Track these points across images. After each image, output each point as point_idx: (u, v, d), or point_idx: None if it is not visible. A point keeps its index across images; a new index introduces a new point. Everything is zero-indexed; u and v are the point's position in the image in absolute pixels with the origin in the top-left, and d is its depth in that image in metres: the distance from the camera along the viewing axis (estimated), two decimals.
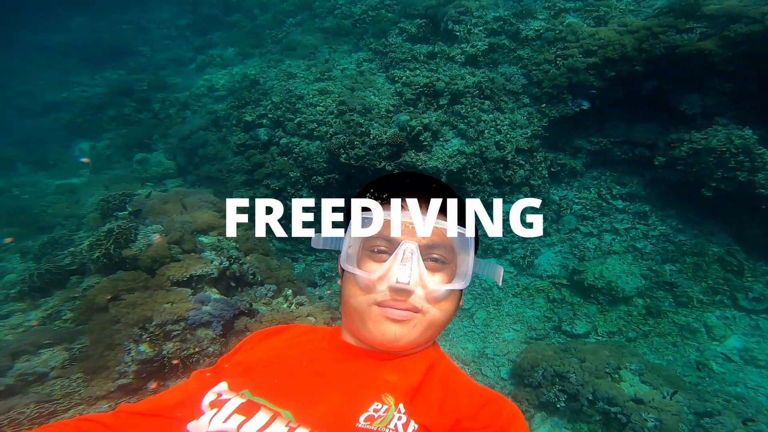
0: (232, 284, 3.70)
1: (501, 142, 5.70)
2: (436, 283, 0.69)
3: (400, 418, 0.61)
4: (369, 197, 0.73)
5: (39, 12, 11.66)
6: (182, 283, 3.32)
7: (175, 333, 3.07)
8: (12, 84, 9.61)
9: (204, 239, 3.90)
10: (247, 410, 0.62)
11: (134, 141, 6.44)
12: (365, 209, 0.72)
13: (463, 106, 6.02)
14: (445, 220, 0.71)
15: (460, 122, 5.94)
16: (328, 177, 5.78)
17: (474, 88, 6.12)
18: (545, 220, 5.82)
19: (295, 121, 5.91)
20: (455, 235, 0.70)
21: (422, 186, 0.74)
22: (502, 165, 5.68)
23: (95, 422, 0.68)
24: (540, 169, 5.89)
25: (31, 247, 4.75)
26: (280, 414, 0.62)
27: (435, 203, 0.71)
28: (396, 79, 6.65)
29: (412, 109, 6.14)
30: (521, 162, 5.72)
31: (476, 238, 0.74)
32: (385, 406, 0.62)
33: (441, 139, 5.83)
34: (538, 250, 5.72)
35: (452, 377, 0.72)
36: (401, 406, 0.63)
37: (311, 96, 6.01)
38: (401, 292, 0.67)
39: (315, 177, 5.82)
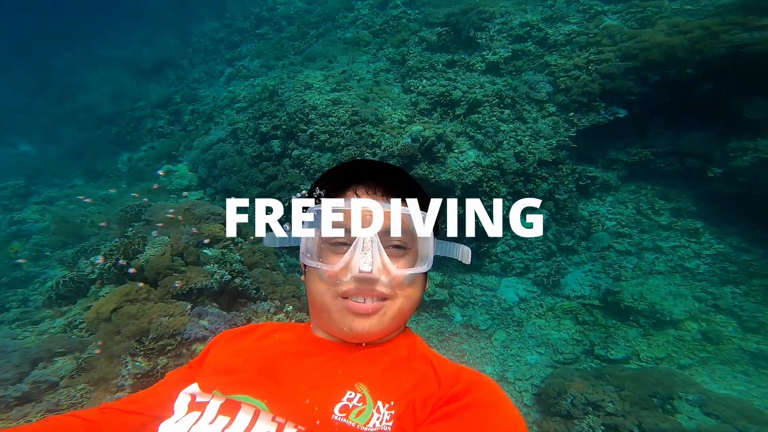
0: (235, 298, 3.68)
1: (522, 154, 5.33)
2: (399, 268, 0.69)
3: (378, 410, 0.60)
4: (321, 190, 0.73)
5: (114, 28, 12.80)
6: (182, 296, 3.33)
7: (170, 347, 3.07)
8: (79, 96, 10.60)
9: (208, 252, 3.92)
10: (229, 411, 0.64)
11: (164, 153, 6.80)
12: (318, 203, 0.71)
13: (481, 115, 5.72)
14: (403, 204, 0.70)
15: (477, 133, 5.65)
16: None
17: (493, 96, 5.81)
18: (572, 237, 5.32)
19: (308, 132, 5.93)
20: (413, 217, 0.69)
21: (374, 173, 0.73)
22: (522, 178, 5.30)
23: (81, 418, 0.71)
24: (566, 182, 5.42)
25: (68, 255, 5.09)
26: (257, 408, 0.62)
27: (390, 187, 0.71)
28: (412, 88, 6.50)
29: (426, 119, 5.94)
30: (544, 175, 5.30)
31: (436, 220, 0.73)
32: (359, 395, 0.62)
33: (456, 150, 5.57)
34: (565, 269, 5.25)
35: (427, 359, 0.71)
36: (375, 396, 0.62)
37: (324, 106, 6.01)
38: (366, 281, 0.66)
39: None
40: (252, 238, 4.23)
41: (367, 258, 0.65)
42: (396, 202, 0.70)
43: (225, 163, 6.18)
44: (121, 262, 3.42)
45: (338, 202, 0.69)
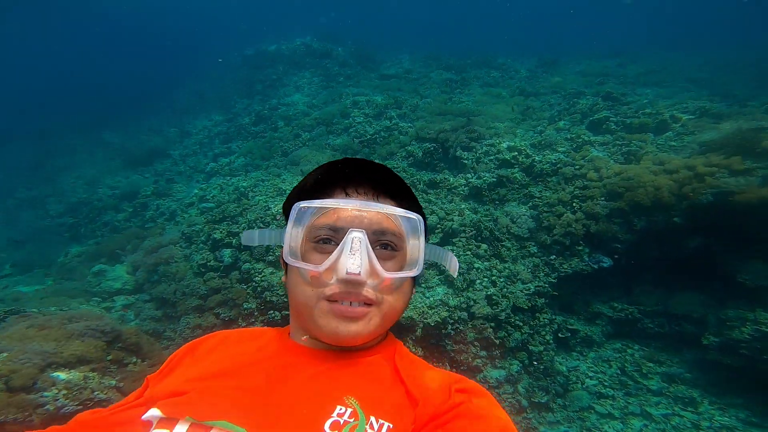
0: None
1: (494, 297, 4.59)
2: (388, 271, 0.67)
3: (372, 426, 0.58)
4: (309, 186, 0.71)
5: (133, 117, 13.67)
6: None
7: None
8: (59, 180, 10.65)
9: (62, 375, 3.14)
10: None
11: (107, 250, 6.27)
12: (305, 198, 0.69)
13: (455, 248, 5.16)
14: (393, 204, 0.70)
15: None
16: (287, 314, 4.90)
17: (471, 227, 5.33)
18: (547, 392, 4.42)
19: (264, 245, 5.36)
20: (403, 218, 0.69)
21: (365, 171, 0.72)
22: (493, 324, 4.48)
23: None
24: (543, 333, 4.58)
25: None
26: None
27: (380, 187, 0.70)
28: None
29: None
30: (518, 323, 4.48)
31: (425, 222, 0.73)
32: (350, 409, 0.60)
33: (423, 284, 4.87)
34: (535, 429, 4.19)
35: (413, 366, 0.70)
36: (367, 410, 0.60)
37: None
38: (352, 284, 0.65)
39: (272, 312, 4.98)
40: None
41: (355, 259, 0.63)
42: (386, 201, 0.70)
43: (167, 269, 5.57)
44: None
45: (326, 200, 0.67)
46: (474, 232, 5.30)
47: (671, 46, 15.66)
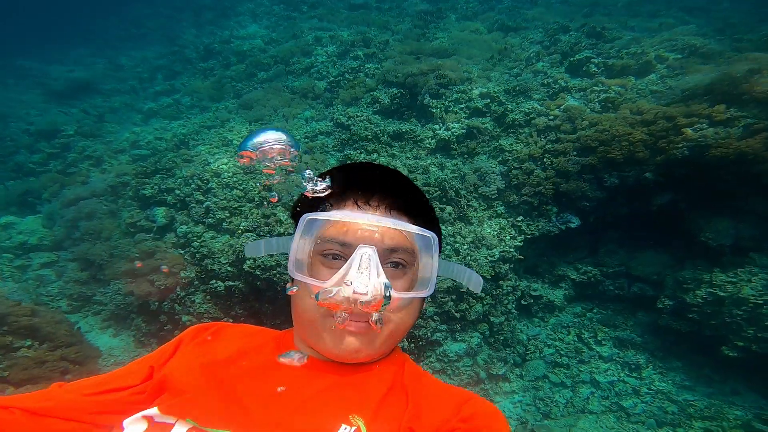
0: None
1: None
2: (398, 291, 0.64)
3: None
4: (318, 196, 0.66)
5: (41, 41, 11.51)
6: None
7: None
8: None
9: None
10: None
11: (15, 197, 5.32)
12: (315, 209, 0.66)
13: None
14: (407, 219, 0.65)
15: None
16: (231, 285, 4.43)
17: (436, 187, 4.79)
18: (505, 363, 4.33)
19: (204, 205, 4.68)
20: (417, 235, 0.65)
21: (379, 181, 0.67)
22: (454, 296, 4.18)
23: None
24: (506, 302, 4.36)
25: None
26: None
27: (394, 200, 0.66)
28: (348, 162, 5.44)
29: None
30: (480, 294, 4.19)
31: (439, 238, 0.69)
32: (354, 428, 0.57)
33: None
34: (492, 399, 4.19)
35: (420, 383, 0.68)
36: (370, 429, 0.58)
37: (231, 174, 4.81)
38: (362, 306, 0.60)
39: (214, 281, 4.47)
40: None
41: (363, 278, 0.59)
42: (400, 217, 0.65)
43: (90, 226, 4.83)
44: None
45: (336, 212, 0.64)
46: (439, 192, 4.77)
47: None
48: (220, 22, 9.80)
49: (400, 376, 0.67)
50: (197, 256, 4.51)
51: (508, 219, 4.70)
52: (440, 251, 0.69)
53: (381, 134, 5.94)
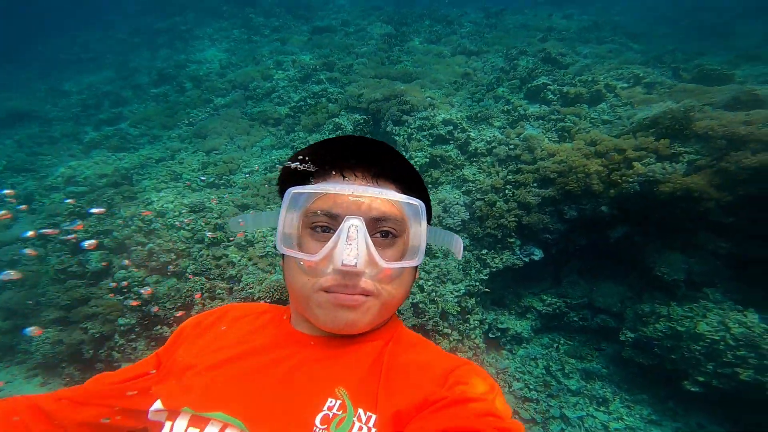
0: None
1: (421, 305, 4.07)
2: (387, 260, 0.63)
3: (359, 418, 0.57)
4: (303, 166, 0.65)
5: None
6: None
7: None
8: None
9: None
10: (198, 423, 0.60)
11: None
12: (299, 179, 0.65)
13: None
14: (393, 188, 0.65)
15: None
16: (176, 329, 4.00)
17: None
18: None
19: (146, 248, 4.28)
20: (405, 203, 0.64)
21: (363, 151, 0.66)
22: (420, 333, 3.98)
23: (32, 406, 0.70)
24: (473, 336, 4.23)
25: None
26: (230, 425, 0.58)
27: (380, 169, 0.65)
28: None
29: None
30: (446, 331, 4.05)
31: (428, 205, 0.70)
32: (339, 401, 0.58)
33: None
34: None
35: (409, 352, 0.67)
36: (356, 402, 0.58)
37: (177, 214, 4.45)
38: (349, 275, 0.61)
39: (159, 327, 4.05)
40: None
41: (351, 249, 0.58)
42: (386, 185, 0.65)
43: (14, 273, 4.29)
44: None
45: (320, 184, 0.63)
46: None
47: None
48: (176, 46, 9.45)
49: (387, 346, 0.66)
50: (139, 302, 4.09)
51: (473, 252, 4.63)
52: (429, 220, 0.69)
53: None
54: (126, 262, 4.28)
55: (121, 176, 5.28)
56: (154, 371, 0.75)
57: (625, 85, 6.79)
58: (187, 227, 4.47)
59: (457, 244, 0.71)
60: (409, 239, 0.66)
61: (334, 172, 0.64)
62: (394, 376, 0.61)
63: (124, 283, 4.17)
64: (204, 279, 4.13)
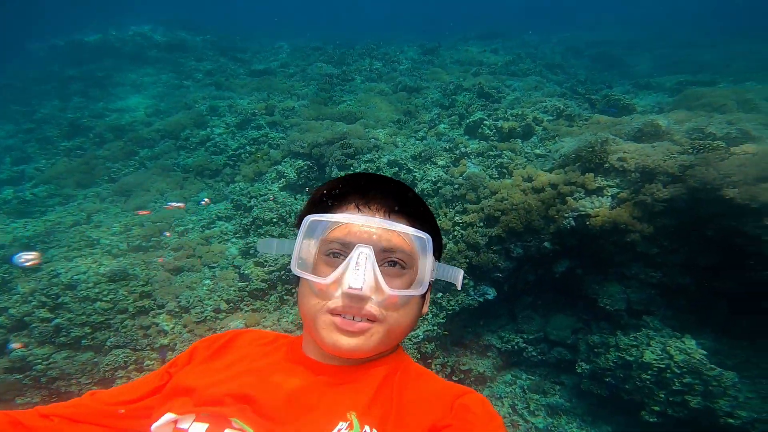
0: None
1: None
2: (393, 288, 0.69)
3: None
4: (323, 199, 0.74)
5: None
6: None
7: None
8: None
9: None
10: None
11: None
12: (319, 211, 0.73)
13: None
14: (405, 223, 0.72)
15: None
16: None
17: None
18: None
19: (52, 324, 3.77)
20: (414, 237, 0.71)
21: (380, 186, 0.74)
22: None
23: (15, 422, 0.68)
24: None
25: None
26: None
27: (394, 204, 0.72)
28: (251, 252, 5.00)
29: (261, 305, 4.34)
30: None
31: (439, 239, 0.77)
32: (347, 422, 0.63)
33: None
34: None
35: (418, 381, 0.73)
36: (363, 421, 0.63)
37: (92, 284, 4.01)
38: (355, 299, 0.67)
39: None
40: None
41: (359, 274, 0.65)
42: (399, 220, 0.71)
43: None
44: None
45: (337, 215, 0.70)
46: None
47: (537, 25, 17.54)
48: (91, 94, 8.90)
49: (393, 374, 0.71)
50: (42, 380, 3.53)
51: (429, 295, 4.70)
52: (439, 255, 0.77)
53: (287, 215, 5.69)
54: (15, 345, 3.72)
55: (22, 246, 4.68)
56: (160, 391, 0.77)
57: (551, 117, 7.62)
58: (105, 298, 4.03)
59: (456, 276, 0.77)
60: (418, 270, 0.72)
61: (350, 205, 0.71)
62: (404, 405, 0.66)
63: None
64: (129, 350, 3.69)
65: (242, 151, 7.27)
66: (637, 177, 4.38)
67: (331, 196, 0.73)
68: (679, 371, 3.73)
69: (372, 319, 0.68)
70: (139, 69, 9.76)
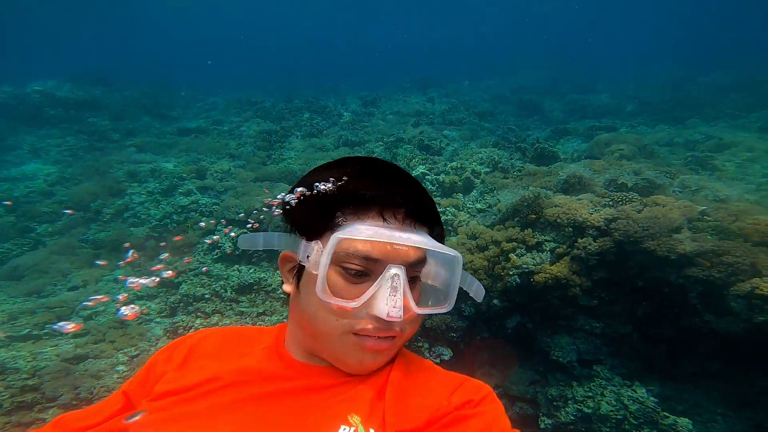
0: None
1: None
2: (419, 306, 0.69)
3: None
4: (339, 206, 0.65)
5: None
6: None
7: None
8: None
9: None
10: None
11: None
12: (326, 214, 0.66)
13: None
14: (425, 230, 0.70)
15: None
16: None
17: None
18: None
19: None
20: (445, 256, 0.71)
21: (401, 190, 0.68)
22: None
23: None
24: None
25: None
26: None
27: (415, 211, 0.68)
28: (180, 333, 4.52)
29: None
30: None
31: (442, 234, 0.77)
32: (353, 428, 0.62)
33: None
34: None
35: (417, 374, 0.73)
36: (367, 425, 0.62)
37: None
38: (388, 324, 0.65)
39: None
40: None
41: (397, 300, 0.62)
42: (421, 227, 0.69)
43: None
44: None
45: (365, 227, 0.63)
46: None
47: (467, 71, 19.42)
48: None
49: (394, 370, 0.71)
50: None
51: None
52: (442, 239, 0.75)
53: (223, 289, 5.30)
54: None
55: None
56: (120, 413, 0.75)
57: (487, 169, 8.32)
58: None
59: (478, 290, 0.79)
60: (430, 280, 0.74)
61: (373, 212, 0.64)
62: (402, 396, 0.66)
63: None
64: None
65: (168, 221, 6.80)
66: (570, 231, 4.85)
67: (347, 200, 0.64)
68: (636, 422, 3.94)
69: (394, 335, 0.67)
70: (39, 130, 8.96)
